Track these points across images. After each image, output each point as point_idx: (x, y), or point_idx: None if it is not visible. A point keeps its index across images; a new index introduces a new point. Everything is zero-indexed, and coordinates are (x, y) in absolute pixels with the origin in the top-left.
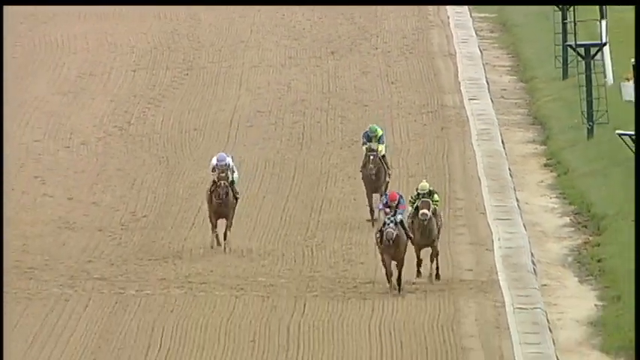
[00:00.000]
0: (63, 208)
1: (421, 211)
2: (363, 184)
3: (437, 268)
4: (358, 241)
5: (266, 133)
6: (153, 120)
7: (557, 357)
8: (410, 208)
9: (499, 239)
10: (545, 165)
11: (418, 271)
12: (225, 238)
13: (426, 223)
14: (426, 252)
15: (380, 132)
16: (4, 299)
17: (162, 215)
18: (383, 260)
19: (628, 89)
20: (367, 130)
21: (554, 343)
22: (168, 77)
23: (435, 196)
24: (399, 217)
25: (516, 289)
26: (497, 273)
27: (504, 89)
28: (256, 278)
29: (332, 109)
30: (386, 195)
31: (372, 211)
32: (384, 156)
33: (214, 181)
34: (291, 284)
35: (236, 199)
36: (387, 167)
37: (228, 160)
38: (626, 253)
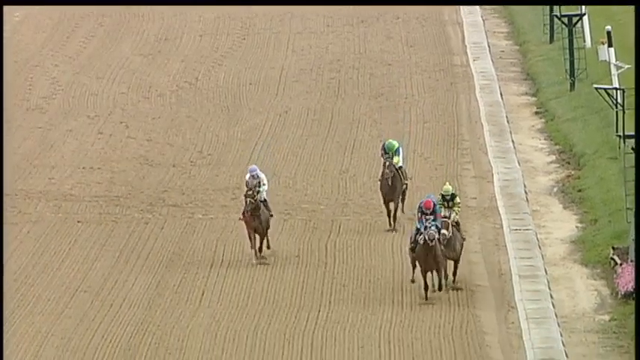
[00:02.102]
0: (143, 148)
1: (442, 231)
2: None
3: (454, 275)
4: None
5: (308, 87)
6: (216, 76)
7: (545, 269)
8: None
9: (498, 173)
10: (536, 113)
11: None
12: (260, 251)
13: (444, 241)
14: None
15: (396, 145)
16: (97, 222)
17: (224, 154)
18: (413, 265)
19: (603, 51)
20: (385, 143)
21: (542, 258)
22: (229, 41)
23: (457, 199)
24: (438, 223)
25: (512, 213)
26: (496, 200)
27: (502, 51)
28: (300, 205)
29: (362, 67)
30: (420, 203)
31: (389, 219)
32: (400, 167)
33: (246, 201)
34: (328, 210)
35: (270, 215)
36: (404, 177)
37: (260, 173)
38: (602, 185)
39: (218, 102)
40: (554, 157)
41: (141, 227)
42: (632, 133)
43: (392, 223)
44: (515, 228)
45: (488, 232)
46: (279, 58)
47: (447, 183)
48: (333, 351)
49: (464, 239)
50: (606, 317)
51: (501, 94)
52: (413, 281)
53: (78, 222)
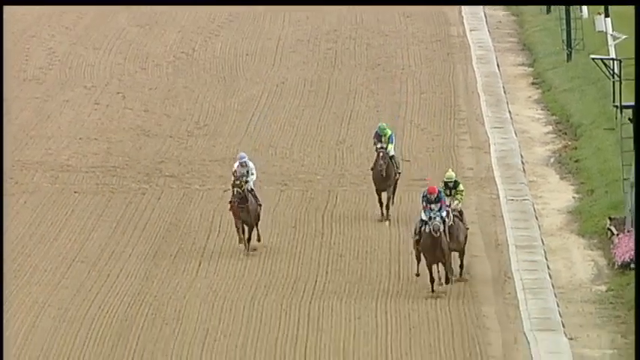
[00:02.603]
0: (140, 119)
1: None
2: (373, 183)
3: (460, 267)
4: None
5: (305, 57)
6: (213, 47)
7: (542, 240)
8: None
9: (495, 143)
10: (533, 83)
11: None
12: (249, 242)
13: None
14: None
15: (389, 132)
16: (94, 193)
17: (221, 124)
18: (418, 258)
19: (600, 22)
20: (377, 129)
21: (539, 229)
22: (226, 12)
23: (460, 186)
24: (444, 214)
25: (508, 184)
26: (493, 171)
27: (499, 22)
28: (297, 175)
29: (359, 37)
30: (424, 191)
31: (382, 209)
32: (392, 156)
33: (233, 191)
34: (325, 180)
35: (258, 204)
36: (397, 167)
37: (249, 162)
38: (599, 156)
39: (215, 73)
40: (550, 128)
41: (138, 198)
42: (629, 103)
43: (384, 212)
44: (511, 198)
45: (485, 202)
46: (275, 28)
47: (450, 169)
48: (330, 321)
49: (467, 229)
50: (603, 288)
51: (498, 65)
52: (418, 275)
53: (75, 192)
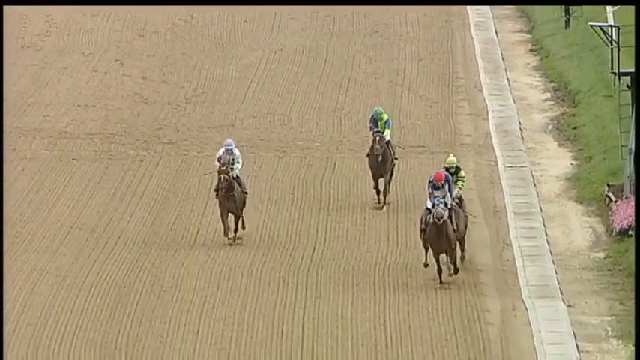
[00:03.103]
0: (138, 86)
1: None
2: (369, 169)
3: (461, 259)
4: None
5: (303, 24)
6: (211, 13)
7: (540, 207)
8: (456, 190)
9: (493, 110)
10: (531, 50)
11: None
12: (235, 232)
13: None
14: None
15: (386, 116)
16: (92, 160)
17: (219, 91)
18: (425, 248)
19: None
20: (373, 113)
21: (537, 195)
22: None
23: (462, 172)
24: (449, 200)
25: (507, 150)
26: (491, 138)
27: None
28: (295, 142)
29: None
30: (430, 177)
31: (378, 195)
32: (389, 142)
33: (219, 178)
34: (323, 147)
35: (244, 192)
36: (393, 152)
37: (235, 149)
38: (597, 123)
39: (213, 39)
40: (549, 95)
41: (136, 165)
42: (628, 70)
43: (381, 199)
44: (509, 165)
45: (483, 169)
46: None
47: (452, 155)
48: (328, 288)
49: (467, 217)
50: (601, 254)
51: (496, 32)
52: (426, 265)
53: (73, 159)
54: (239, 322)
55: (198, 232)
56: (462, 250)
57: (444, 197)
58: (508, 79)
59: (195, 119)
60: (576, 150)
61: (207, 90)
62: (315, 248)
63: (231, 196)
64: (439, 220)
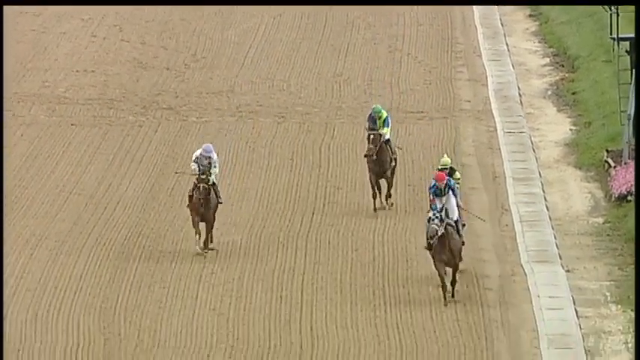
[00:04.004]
0: (137, 51)
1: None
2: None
3: (452, 284)
4: (377, 77)
5: None
6: None
7: (539, 172)
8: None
9: (492, 76)
10: (530, 15)
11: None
12: (206, 245)
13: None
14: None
15: (384, 114)
16: (91, 125)
17: (218, 57)
18: (436, 266)
19: None
20: (371, 111)
21: (536, 161)
22: None
23: (457, 174)
24: (453, 202)
25: (506, 116)
26: (490, 103)
27: None
28: (294, 108)
29: None
30: (432, 181)
31: (374, 201)
32: (388, 140)
33: (195, 184)
34: (322, 113)
35: (218, 202)
36: (393, 152)
37: (213, 154)
38: (596, 88)
39: (211, 5)
40: (548, 60)
41: (135, 130)
42: (627, 35)
43: (382, 201)
44: (509, 131)
45: (482, 135)
46: None
47: (445, 155)
48: (327, 254)
49: (463, 243)
50: (600, 220)
51: None
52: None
53: (72, 125)
54: (238, 288)
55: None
56: (453, 277)
57: (441, 210)
58: (507, 44)
59: (194, 85)
60: (575, 115)
61: (207, 55)
62: (313, 214)
63: (207, 205)
64: (431, 239)
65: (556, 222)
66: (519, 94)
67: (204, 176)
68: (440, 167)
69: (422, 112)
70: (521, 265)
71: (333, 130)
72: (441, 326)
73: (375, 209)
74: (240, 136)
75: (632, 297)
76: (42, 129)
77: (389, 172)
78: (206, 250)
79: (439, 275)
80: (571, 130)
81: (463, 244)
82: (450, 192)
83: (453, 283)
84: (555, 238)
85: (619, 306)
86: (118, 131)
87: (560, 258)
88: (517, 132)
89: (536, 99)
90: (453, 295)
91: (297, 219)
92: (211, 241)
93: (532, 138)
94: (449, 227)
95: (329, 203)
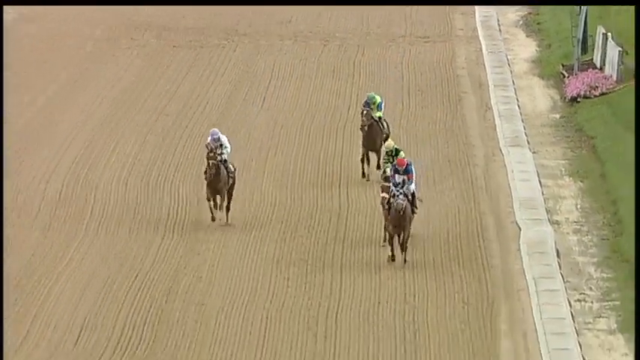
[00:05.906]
0: None
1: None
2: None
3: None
4: (396, 13)
5: None
6: None
7: (513, 81)
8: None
9: (479, 11)
10: None
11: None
12: (227, 214)
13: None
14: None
15: (378, 99)
16: (188, 47)
17: None
18: (386, 228)
19: None
20: (366, 98)
21: (511, 73)
22: None
23: (402, 153)
24: (412, 188)
25: (489, 40)
26: (477, 31)
27: None
28: (334, 34)
29: None
30: (394, 162)
31: (363, 167)
32: (380, 117)
33: (208, 163)
34: (355, 37)
35: (230, 177)
36: (383, 127)
37: (221, 136)
38: (555, 19)
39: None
40: None
41: (219, 50)
42: None
43: (367, 173)
44: (491, 51)
45: (472, 54)
46: None
47: (390, 140)
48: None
49: (414, 213)
50: (557, 115)
51: None
52: (384, 246)
53: (174, 46)
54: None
55: (264, 100)
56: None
57: (402, 186)
58: None
59: (263, 17)
60: (539, 39)
61: None
62: (349, 108)
63: (217, 178)
64: (400, 212)
65: (525, 117)
66: (498, 24)
67: (212, 154)
68: (385, 150)
69: (427, 37)
70: (500, 148)
71: (364, 50)
72: (440, 195)
73: (363, 174)
74: (295, 55)
75: (582, 171)
76: (151, 49)
77: (378, 145)
78: (222, 218)
79: (390, 236)
80: (536, 50)
81: (414, 213)
82: (409, 178)
83: (404, 248)
84: (524, 128)
85: (571, 178)
86: (207, 52)
87: (528, 143)
88: (497, 52)
89: (511, 28)
90: (405, 262)
91: (336, 114)
92: (227, 214)
93: (507, 56)
94: (406, 200)
95: (360, 104)
